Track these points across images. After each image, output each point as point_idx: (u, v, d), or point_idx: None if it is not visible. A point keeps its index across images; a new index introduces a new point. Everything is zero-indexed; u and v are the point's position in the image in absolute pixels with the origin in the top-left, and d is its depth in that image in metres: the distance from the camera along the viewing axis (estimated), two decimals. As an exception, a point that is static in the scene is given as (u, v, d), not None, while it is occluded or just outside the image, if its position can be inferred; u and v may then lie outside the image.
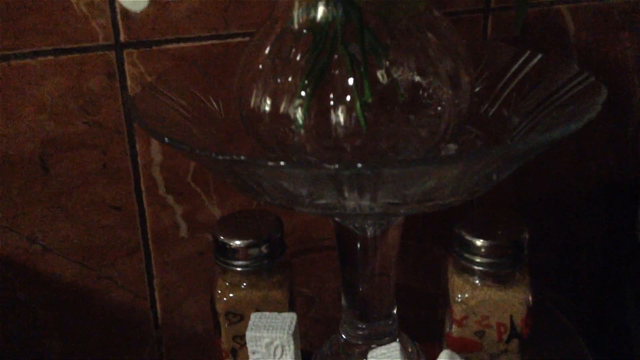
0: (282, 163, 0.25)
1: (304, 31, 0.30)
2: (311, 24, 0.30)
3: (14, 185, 0.45)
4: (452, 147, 0.35)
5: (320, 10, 0.30)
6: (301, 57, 0.32)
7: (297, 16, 0.31)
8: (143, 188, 0.48)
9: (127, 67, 0.45)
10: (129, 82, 0.45)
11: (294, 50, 0.32)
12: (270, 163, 0.25)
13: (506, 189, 0.58)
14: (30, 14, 0.42)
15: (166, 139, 0.28)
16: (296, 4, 0.30)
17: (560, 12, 0.55)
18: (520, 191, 0.59)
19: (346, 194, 0.27)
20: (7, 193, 0.45)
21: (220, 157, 0.26)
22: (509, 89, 0.39)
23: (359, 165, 0.24)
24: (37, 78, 0.43)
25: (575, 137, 0.63)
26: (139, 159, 0.48)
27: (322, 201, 0.28)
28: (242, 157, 0.26)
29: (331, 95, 0.32)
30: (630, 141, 0.63)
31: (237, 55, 0.47)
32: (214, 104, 0.39)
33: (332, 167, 0.25)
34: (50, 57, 0.43)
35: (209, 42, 0.46)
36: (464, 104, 0.34)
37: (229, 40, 0.47)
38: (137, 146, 0.47)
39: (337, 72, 0.31)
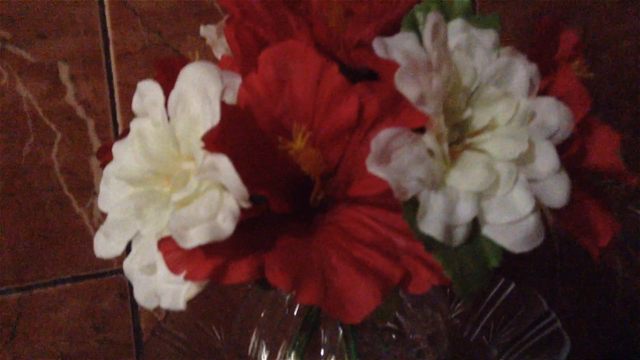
0: None
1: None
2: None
3: (27, 402, 0.48)
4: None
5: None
6: (296, 313, 0.36)
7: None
8: (149, 396, 0.51)
9: (138, 287, 0.49)
10: (139, 300, 0.49)
11: (288, 303, 0.36)
12: None
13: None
14: (54, 247, 0.47)
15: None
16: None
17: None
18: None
19: None
20: (20, 410, 0.48)
21: None
22: (487, 317, 0.42)
23: None
24: (55, 304, 0.47)
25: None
26: (145, 369, 0.50)
27: None
28: None
29: (323, 341, 0.36)
30: (617, 317, 0.66)
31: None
32: (216, 332, 0.43)
33: None
34: (68, 284, 0.47)
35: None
36: (443, 346, 0.38)
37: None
38: (142, 358, 0.50)
39: (326, 326, 0.35)
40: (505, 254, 0.26)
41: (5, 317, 0.46)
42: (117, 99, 0.46)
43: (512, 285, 0.43)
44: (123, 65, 0.45)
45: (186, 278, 0.26)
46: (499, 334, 0.41)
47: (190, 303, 0.45)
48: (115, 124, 0.46)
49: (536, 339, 0.38)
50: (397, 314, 0.37)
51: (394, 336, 0.37)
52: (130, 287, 0.49)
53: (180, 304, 0.27)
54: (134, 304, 0.49)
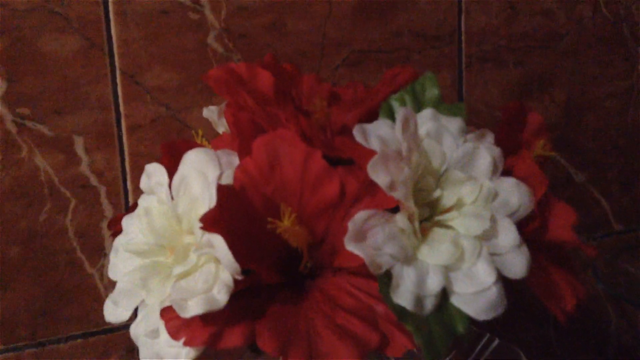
0: None
1: None
2: None
3: None
4: None
5: None
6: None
7: None
8: None
9: (144, 342, 0.52)
10: (145, 355, 0.52)
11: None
12: None
13: None
14: (67, 305, 0.50)
15: None
16: None
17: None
18: None
19: None
20: None
21: None
22: (473, 373, 0.45)
23: None
24: (67, 359, 0.50)
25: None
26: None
27: None
28: None
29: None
30: (613, 366, 0.67)
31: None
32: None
33: None
34: (79, 340, 0.50)
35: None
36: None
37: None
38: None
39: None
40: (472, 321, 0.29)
41: (20, 373, 0.49)
42: (127, 168, 0.50)
43: (496, 342, 0.45)
44: (134, 137, 0.49)
45: (185, 344, 0.29)
46: (484, 389, 0.43)
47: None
48: (125, 191, 0.50)
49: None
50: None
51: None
52: (138, 342, 0.52)
53: (180, 367, 0.30)
54: (140, 358, 0.52)
